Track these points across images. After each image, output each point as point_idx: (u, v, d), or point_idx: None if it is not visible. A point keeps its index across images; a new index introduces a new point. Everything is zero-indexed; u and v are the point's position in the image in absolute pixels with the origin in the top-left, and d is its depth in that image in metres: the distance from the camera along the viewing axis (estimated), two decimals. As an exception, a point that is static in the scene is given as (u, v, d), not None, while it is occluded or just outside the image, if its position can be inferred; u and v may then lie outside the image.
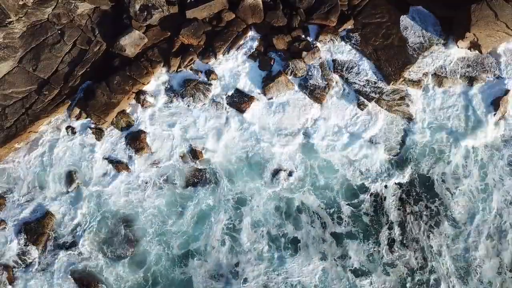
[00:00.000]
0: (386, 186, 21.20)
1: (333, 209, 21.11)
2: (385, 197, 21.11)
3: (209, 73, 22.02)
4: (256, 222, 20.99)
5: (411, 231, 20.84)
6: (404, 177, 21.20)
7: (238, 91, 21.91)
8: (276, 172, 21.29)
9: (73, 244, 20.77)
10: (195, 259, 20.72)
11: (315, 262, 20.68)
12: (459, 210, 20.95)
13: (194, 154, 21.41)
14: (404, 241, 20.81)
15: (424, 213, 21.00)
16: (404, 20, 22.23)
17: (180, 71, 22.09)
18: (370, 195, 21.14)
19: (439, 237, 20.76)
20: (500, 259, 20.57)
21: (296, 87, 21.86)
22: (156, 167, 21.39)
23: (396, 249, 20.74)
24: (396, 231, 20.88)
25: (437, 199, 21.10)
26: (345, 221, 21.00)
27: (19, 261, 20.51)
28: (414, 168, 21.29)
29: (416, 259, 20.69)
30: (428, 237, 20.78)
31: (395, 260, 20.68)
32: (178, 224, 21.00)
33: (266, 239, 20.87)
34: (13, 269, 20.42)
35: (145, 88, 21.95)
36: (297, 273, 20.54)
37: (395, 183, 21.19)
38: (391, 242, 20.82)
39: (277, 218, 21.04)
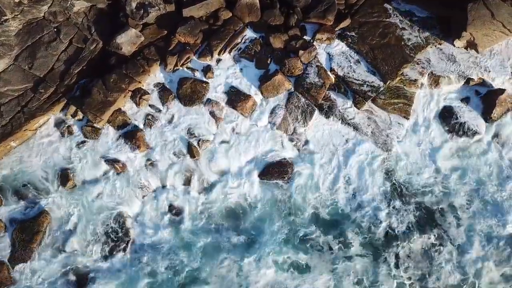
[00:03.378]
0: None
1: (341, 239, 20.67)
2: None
3: (206, 71, 21.99)
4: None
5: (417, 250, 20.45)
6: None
7: (234, 90, 21.89)
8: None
9: (68, 244, 20.66)
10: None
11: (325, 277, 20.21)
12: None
13: (191, 152, 21.35)
14: (410, 258, 20.38)
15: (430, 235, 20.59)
16: (402, 19, 22.34)
17: (177, 69, 22.07)
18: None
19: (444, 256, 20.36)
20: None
21: (292, 87, 21.92)
22: (153, 166, 21.32)
23: (403, 263, 20.33)
24: (403, 248, 20.48)
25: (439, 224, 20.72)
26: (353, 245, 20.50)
27: (15, 259, 20.39)
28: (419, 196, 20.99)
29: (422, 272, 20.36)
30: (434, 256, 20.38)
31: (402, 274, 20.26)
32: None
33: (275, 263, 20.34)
34: (9, 268, 20.31)
35: (141, 86, 21.92)
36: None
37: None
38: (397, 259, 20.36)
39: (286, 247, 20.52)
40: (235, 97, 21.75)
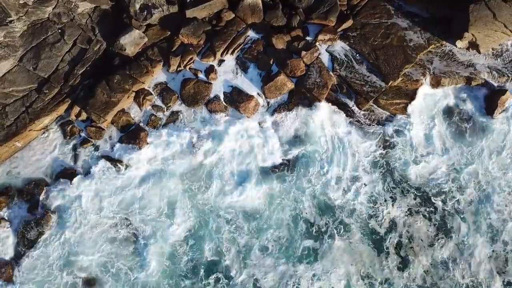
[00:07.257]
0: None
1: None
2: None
3: (209, 72, 22.11)
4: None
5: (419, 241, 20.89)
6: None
7: (237, 91, 22.01)
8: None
9: (71, 245, 20.82)
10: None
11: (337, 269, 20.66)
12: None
13: (193, 152, 21.43)
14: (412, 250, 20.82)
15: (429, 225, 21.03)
16: (403, 20, 22.43)
17: (180, 70, 22.19)
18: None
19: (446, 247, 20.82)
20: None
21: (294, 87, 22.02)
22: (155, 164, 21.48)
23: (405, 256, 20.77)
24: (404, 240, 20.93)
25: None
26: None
27: (18, 260, 20.55)
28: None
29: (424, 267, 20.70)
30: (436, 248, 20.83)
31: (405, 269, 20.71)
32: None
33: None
34: (13, 267, 20.44)
35: (145, 87, 22.05)
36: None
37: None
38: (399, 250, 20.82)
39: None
40: (238, 98, 21.87)
